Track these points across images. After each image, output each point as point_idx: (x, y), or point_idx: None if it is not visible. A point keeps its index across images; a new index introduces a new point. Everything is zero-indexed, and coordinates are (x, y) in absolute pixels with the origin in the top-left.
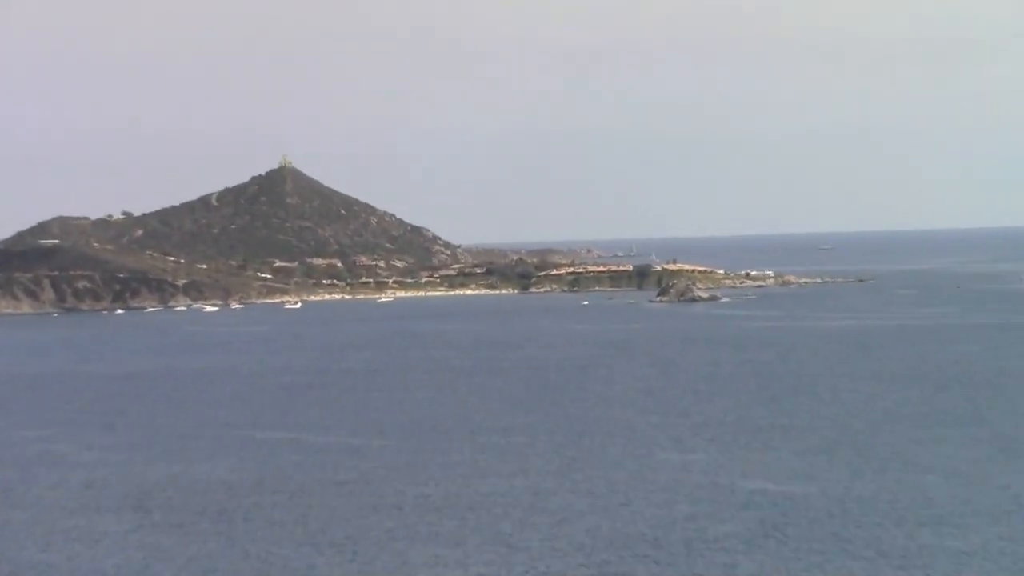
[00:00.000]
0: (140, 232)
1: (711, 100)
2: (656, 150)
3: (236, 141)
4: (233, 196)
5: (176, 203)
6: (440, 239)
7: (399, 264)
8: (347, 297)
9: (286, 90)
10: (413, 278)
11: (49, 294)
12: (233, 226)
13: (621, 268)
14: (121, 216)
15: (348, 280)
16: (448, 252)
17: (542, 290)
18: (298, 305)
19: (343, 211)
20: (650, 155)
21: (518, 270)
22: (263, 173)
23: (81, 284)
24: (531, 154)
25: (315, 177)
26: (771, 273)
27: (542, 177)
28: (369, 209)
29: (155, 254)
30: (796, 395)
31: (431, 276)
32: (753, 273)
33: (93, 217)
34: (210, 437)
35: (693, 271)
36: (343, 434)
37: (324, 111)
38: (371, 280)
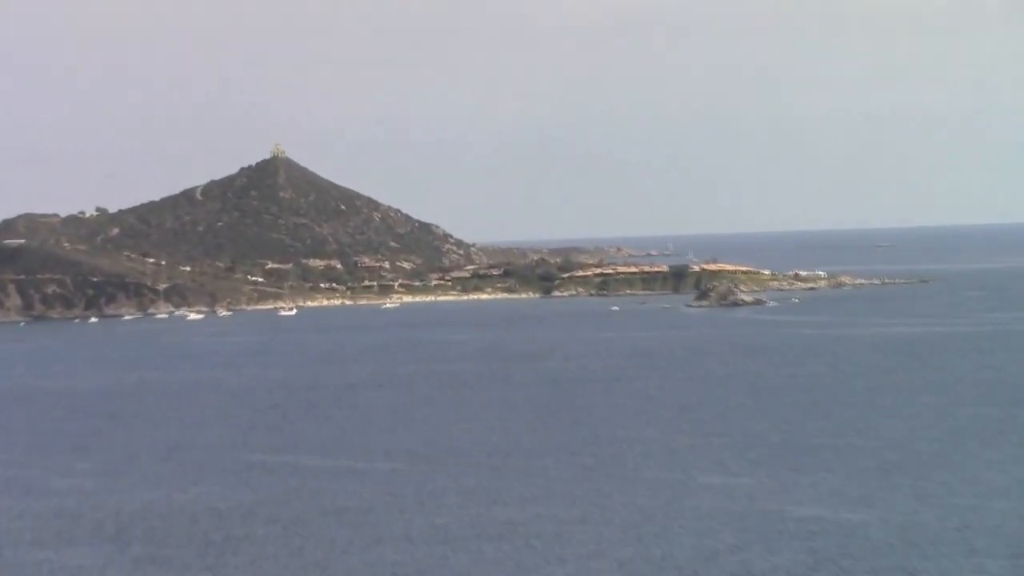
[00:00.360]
0: (116, 230)
1: (754, 82)
2: (693, 137)
3: (223, 128)
4: (220, 190)
5: (156, 198)
6: (452, 237)
7: (406, 265)
8: (348, 302)
9: (278, 71)
10: (421, 281)
11: (14, 300)
12: (220, 223)
13: (655, 269)
14: (95, 213)
15: (349, 283)
16: (461, 252)
17: (566, 294)
18: (293, 312)
19: (343, 206)
20: (686, 143)
21: (539, 271)
22: (253, 164)
23: (50, 289)
24: (553, 142)
25: (311, 168)
26: (823, 274)
27: (565, 168)
28: (372, 204)
29: (133, 255)
30: (852, 411)
31: (442, 279)
32: (803, 274)
33: (63, 214)
34: (195, 460)
35: (736, 272)
36: (344, 456)
37: (321, 94)
38: (374, 283)
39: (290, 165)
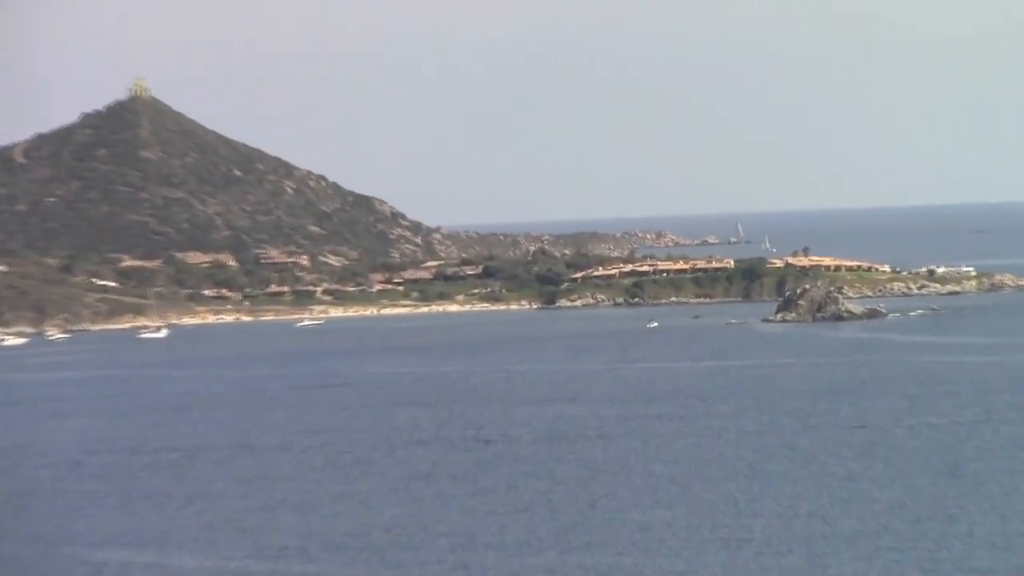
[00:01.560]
0: None
1: None
2: (772, 68)
3: (57, 56)
4: (52, 147)
5: None
6: (404, 218)
7: (334, 261)
8: (246, 318)
9: None
10: (358, 285)
11: None
12: (52, 199)
13: (715, 264)
14: None
15: (248, 290)
16: (418, 240)
17: (578, 303)
18: (162, 333)
19: (238, 171)
20: (761, 76)
21: (537, 269)
22: (102, 108)
23: None
24: (556, 68)
25: (190, 115)
26: (971, 270)
27: (574, 109)
28: (284, 168)
29: None
30: (1015, 479)
31: (389, 281)
32: (940, 270)
33: None
34: (12, 559)
35: (837, 268)
36: (234, 552)
37: (205, 5)
38: (286, 289)
39: (158, 110)
